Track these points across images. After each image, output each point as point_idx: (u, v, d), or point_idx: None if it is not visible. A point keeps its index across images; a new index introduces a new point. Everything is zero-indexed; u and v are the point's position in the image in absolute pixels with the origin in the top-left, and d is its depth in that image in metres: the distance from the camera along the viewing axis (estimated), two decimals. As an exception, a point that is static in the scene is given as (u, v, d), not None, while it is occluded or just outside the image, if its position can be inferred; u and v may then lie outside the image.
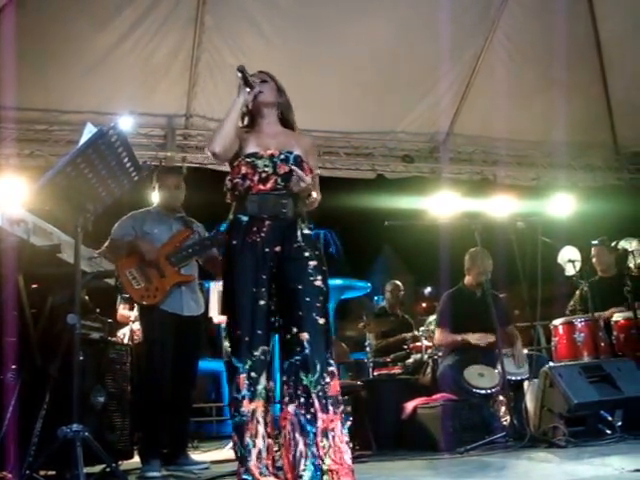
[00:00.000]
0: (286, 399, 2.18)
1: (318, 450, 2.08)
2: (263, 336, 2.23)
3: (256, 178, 2.31)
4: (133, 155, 2.33)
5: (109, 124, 2.17)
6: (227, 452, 4.25)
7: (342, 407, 2.19)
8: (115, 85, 4.89)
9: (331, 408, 2.14)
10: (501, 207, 5.65)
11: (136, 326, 4.10)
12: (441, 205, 5.76)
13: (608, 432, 3.02)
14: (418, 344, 4.87)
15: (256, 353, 2.20)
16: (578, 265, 4.85)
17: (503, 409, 3.59)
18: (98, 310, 3.39)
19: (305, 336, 2.18)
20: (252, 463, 2.14)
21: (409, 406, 3.59)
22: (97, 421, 3.00)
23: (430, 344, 4.57)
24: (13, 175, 4.69)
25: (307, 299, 2.23)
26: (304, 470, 2.07)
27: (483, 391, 3.65)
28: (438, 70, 5.38)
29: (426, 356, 4.54)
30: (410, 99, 5.63)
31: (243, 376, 2.19)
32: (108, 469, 2.30)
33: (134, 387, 3.42)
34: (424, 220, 5.19)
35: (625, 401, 3.12)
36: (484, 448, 3.06)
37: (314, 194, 2.35)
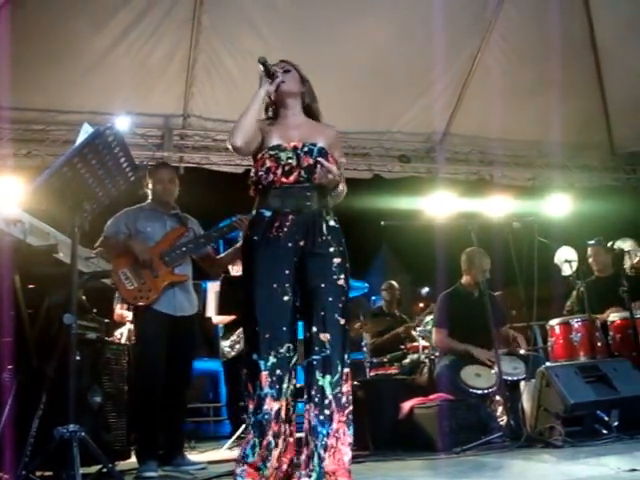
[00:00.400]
0: (304, 398, 2.18)
1: (326, 451, 2.08)
2: (288, 333, 2.18)
3: (279, 171, 2.26)
4: (130, 155, 2.33)
5: (106, 124, 2.17)
6: (224, 452, 4.26)
7: (350, 408, 2.19)
8: (112, 85, 4.88)
9: (342, 410, 2.15)
10: (497, 207, 5.66)
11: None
12: (438, 205, 5.77)
13: (604, 432, 3.02)
14: (415, 344, 4.88)
15: (281, 350, 2.16)
16: (575, 265, 4.86)
17: (500, 409, 3.60)
18: (95, 310, 3.38)
19: (327, 337, 2.16)
20: (271, 464, 2.11)
21: (406, 406, 3.60)
22: (94, 421, 3.00)
23: (427, 344, 4.57)
24: (10, 175, 4.68)
25: (330, 299, 2.19)
26: (312, 470, 2.08)
27: (480, 391, 3.66)
28: (434, 70, 5.38)
29: (423, 356, 4.54)
30: (407, 99, 5.64)
31: (265, 374, 2.14)
32: (104, 469, 2.30)
33: (131, 387, 3.42)
34: (421, 220, 5.19)
35: (621, 401, 3.13)
36: (480, 448, 3.07)
37: (341, 186, 2.32)
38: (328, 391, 2.13)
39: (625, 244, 4.82)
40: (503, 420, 3.43)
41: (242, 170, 5.65)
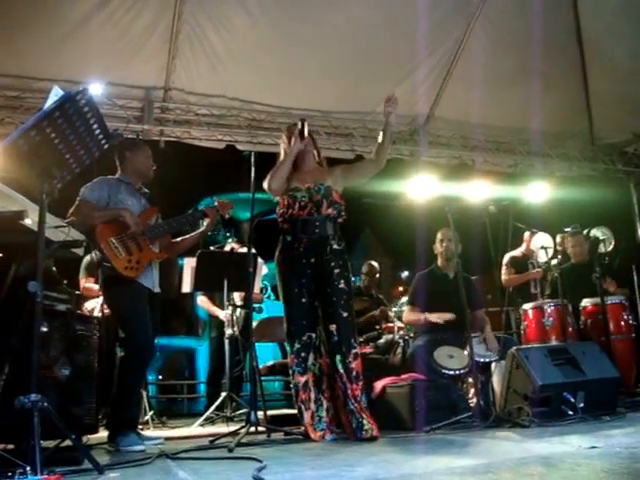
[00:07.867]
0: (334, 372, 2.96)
1: (356, 408, 2.89)
2: (307, 325, 3.03)
3: (297, 206, 3.07)
4: (103, 122, 2.27)
5: (77, 88, 2.11)
6: (196, 429, 4.25)
7: (362, 381, 2.97)
8: (91, 54, 4.73)
9: (354, 380, 2.93)
10: (478, 192, 5.67)
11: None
12: (419, 188, 5.75)
13: (570, 413, 3.06)
14: (390, 325, 4.90)
15: (303, 338, 3.01)
16: (550, 252, 4.91)
17: (472, 390, 3.63)
18: (65, 281, 3.31)
19: (333, 327, 2.96)
20: (306, 421, 2.95)
21: (378, 385, 3.61)
22: (62, 394, 2.94)
23: (402, 325, 4.59)
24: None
25: (334, 299, 2.98)
26: (352, 421, 2.89)
27: (452, 372, 3.68)
28: (420, 53, 5.34)
29: (397, 336, 4.57)
30: (392, 80, 5.56)
31: (292, 356, 3.03)
32: (67, 442, 2.26)
33: (111, 360, 3.35)
34: (400, 201, 5.18)
35: (587, 383, 3.18)
36: (450, 427, 3.10)
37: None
38: (339, 366, 2.92)
39: (599, 232, 4.88)
40: (473, 401, 3.46)
41: (223, 145, 5.59)
